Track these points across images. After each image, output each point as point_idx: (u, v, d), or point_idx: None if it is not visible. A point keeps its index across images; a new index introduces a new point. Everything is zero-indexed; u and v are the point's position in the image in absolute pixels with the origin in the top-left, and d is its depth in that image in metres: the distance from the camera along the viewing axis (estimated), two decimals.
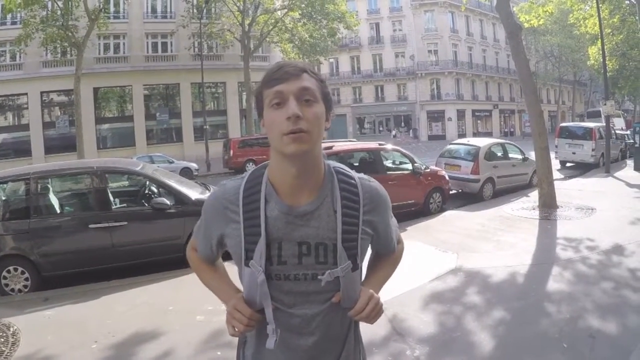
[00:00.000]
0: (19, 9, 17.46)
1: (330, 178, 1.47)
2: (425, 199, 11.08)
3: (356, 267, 1.46)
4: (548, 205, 10.60)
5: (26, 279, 6.52)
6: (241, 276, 1.50)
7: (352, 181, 1.49)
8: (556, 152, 19.77)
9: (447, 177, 11.89)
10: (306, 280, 1.43)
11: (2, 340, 4.71)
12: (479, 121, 53.51)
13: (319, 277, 1.42)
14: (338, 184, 1.46)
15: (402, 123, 52.71)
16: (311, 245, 1.42)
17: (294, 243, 1.41)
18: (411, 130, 50.54)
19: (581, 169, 19.26)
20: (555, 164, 16.41)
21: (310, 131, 1.32)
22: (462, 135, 45.70)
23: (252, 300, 1.45)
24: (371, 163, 10.70)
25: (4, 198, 7.05)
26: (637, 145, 18.59)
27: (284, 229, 1.41)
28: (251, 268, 1.41)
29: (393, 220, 1.67)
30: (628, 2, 23.87)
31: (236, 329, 1.43)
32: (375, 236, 1.56)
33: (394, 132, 49.90)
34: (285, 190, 1.42)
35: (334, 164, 1.53)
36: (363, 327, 1.63)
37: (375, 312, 1.46)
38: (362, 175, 1.55)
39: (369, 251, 1.64)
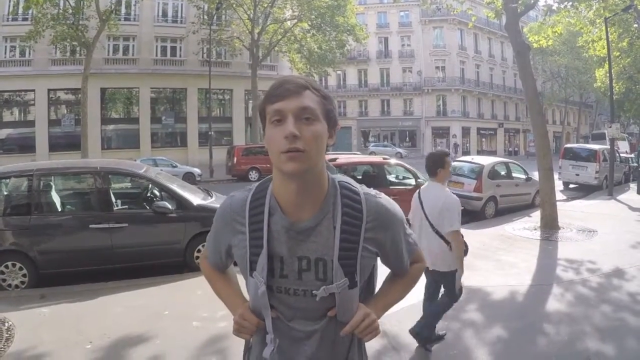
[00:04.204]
0: (35, 6, 17.47)
1: (333, 193, 1.44)
2: None
3: (354, 284, 1.41)
4: (550, 226, 10.57)
5: (24, 275, 6.52)
6: (247, 285, 1.52)
7: (357, 197, 1.44)
8: (559, 173, 19.72)
9: None
10: (305, 296, 1.42)
11: None
12: (483, 139, 53.66)
13: (314, 292, 1.40)
14: (340, 199, 1.42)
15: (407, 138, 52.76)
16: (311, 260, 1.41)
17: (294, 258, 1.41)
18: (453, 145, 50.00)
19: (584, 190, 19.20)
20: (559, 185, 16.36)
21: (308, 150, 1.30)
22: (466, 152, 45.73)
23: (258, 310, 1.47)
24: (375, 177, 10.69)
25: (5, 193, 7.08)
26: None
27: (287, 243, 1.41)
28: (254, 279, 1.43)
29: (409, 238, 1.59)
30: (637, 25, 23.91)
31: (245, 336, 1.50)
32: (382, 254, 1.52)
33: (439, 148, 49.13)
34: (287, 205, 1.42)
35: (339, 177, 1.49)
36: None
37: (370, 329, 1.44)
38: (369, 190, 1.49)
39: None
